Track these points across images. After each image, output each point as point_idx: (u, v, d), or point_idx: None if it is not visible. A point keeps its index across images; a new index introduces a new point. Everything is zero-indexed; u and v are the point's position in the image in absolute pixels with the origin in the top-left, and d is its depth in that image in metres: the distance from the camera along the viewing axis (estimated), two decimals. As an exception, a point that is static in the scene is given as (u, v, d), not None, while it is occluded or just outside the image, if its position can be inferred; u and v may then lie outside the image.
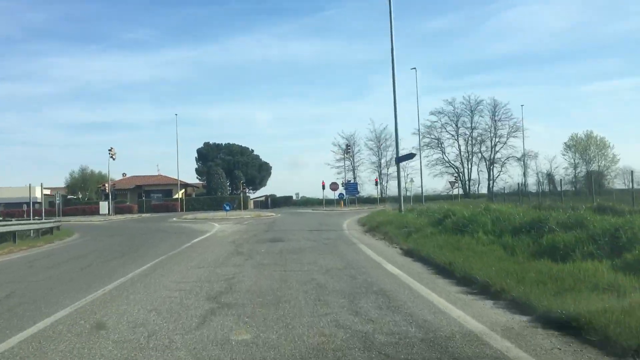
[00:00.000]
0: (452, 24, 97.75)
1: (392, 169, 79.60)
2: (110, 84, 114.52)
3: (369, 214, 37.87)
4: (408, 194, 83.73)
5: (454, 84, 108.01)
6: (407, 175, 79.56)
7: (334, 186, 59.52)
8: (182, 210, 73.11)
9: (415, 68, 44.54)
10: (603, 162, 76.96)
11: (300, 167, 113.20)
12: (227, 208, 42.84)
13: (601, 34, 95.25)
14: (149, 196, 79.30)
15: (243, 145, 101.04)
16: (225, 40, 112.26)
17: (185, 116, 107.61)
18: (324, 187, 60.12)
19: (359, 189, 62.28)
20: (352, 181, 67.41)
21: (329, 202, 67.94)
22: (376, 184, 64.91)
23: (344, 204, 59.05)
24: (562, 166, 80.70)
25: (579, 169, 77.77)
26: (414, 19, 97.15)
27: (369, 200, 72.71)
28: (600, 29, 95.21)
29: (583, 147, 76.62)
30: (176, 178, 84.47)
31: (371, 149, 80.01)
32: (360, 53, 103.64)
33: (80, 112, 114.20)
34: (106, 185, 65.53)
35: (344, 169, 72.79)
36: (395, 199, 36.67)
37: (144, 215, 60.04)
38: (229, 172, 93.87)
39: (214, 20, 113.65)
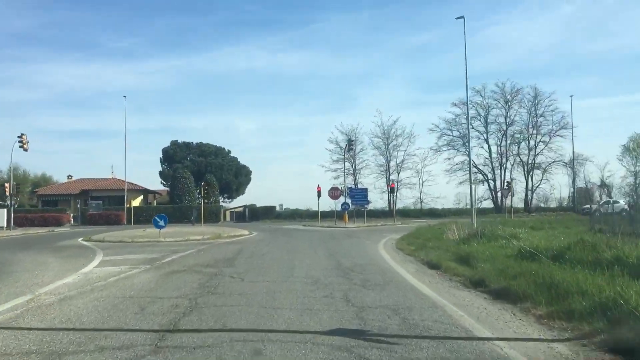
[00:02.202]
0: (436, 39, 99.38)
1: (405, 174, 63.00)
2: (93, 92, 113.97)
3: (415, 236, 21.68)
4: (419, 205, 67.38)
5: (438, 99, 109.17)
6: (423, 182, 63.04)
7: (334, 193, 42.59)
8: (129, 222, 55.59)
9: (463, 17, 28.58)
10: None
11: (285, 176, 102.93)
12: (161, 224, 25.49)
13: (580, 53, 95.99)
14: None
15: (218, 145, 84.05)
16: (212, 51, 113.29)
17: (168, 124, 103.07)
18: (319, 195, 43.25)
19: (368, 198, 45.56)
20: (358, 187, 50.40)
21: (326, 215, 50.96)
22: (392, 191, 47.73)
23: (348, 218, 42.03)
24: (617, 174, 64.60)
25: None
26: (399, 33, 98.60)
27: (380, 214, 55.80)
28: (580, 47, 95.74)
29: (647, 150, 60.48)
30: (134, 183, 67.39)
31: (377, 147, 63.32)
32: (345, 65, 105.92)
33: (63, 119, 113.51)
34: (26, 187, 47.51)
35: (344, 172, 55.85)
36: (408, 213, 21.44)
37: (58, 230, 42.32)
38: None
39: (201, 30, 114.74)
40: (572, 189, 61.76)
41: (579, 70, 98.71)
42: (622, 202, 54.53)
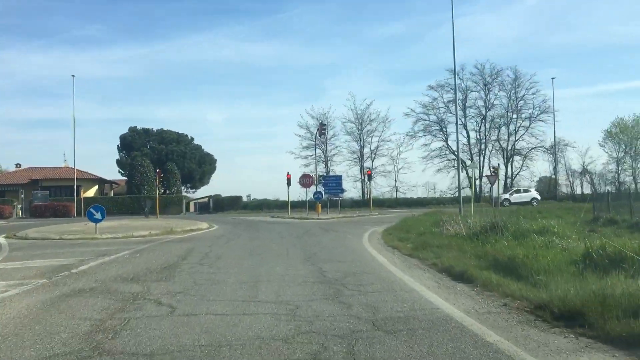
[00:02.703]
0: (404, 30, 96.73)
1: (380, 162, 59.24)
2: (56, 80, 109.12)
3: (404, 229, 18.11)
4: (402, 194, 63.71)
5: (406, 90, 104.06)
6: (399, 170, 59.50)
7: (306, 181, 38.47)
8: (80, 215, 50.51)
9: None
10: (652, 155, 58.53)
11: (254, 167, 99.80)
12: (97, 217, 20.94)
13: (544, 45, 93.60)
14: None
15: (180, 132, 79.03)
16: (178, 39, 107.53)
17: (134, 115, 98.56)
18: (289, 183, 39.08)
19: (343, 187, 41.47)
20: (332, 175, 46.32)
21: (296, 205, 46.88)
22: (369, 179, 43.74)
23: (321, 209, 38.00)
24: (599, 161, 62.11)
25: (623, 164, 59.17)
26: (368, 24, 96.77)
27: (353, 203, 51.97)
28: (544, 40, 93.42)
29: (630, 136, 57.93)
30: (88, 172, 62.36)
31: (350, 133, 59.33)
32: (314, 56, 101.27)
33: (24, 108, 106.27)
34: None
35: (315, 159, 51.77)
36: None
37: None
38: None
39: (167, 18, 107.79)
40: (553, 176, 59.01)
41: (542, 63, 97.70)
42: (533, 191, 52.17)
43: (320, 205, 36.86)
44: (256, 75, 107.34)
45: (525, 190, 51.48)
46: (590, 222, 23.43)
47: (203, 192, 77.02)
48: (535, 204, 46.77)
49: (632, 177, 58.97)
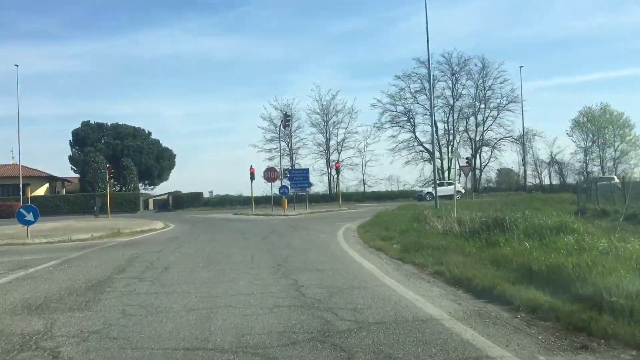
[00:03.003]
0: (363, 25, 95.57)
1: (346, 154, 57.08)
2: (3, 76, 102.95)
3: (382, 226, 16.08)
4: (363, 188, 61.55)
5: (367, 85, 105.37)
6: (366, 162, 57.53)
7: (270, 174, 36.02)
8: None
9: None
10: (621, 145, 58.08)
11: (216, 163, 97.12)
12: (29, 219, 17.62)
13: (501, 40, 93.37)
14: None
15: (137, 126, 75.56)
16: (134, 34, 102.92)
17: (89, 111, 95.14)
18: (252, 177, 36.63)
19: (311, 181, 38.99)
20: (299, 168, 43.77)
21: (260, 201, 44.31)
22: (337, 172, 41.26)
23: (288, 204, 35.53)
24: (567, 151, 61.44)
25: (591, 154, 58.52)
26: (326, 19, 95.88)
27: (320, 198, 49.76)
28: (501, 35, 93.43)
29: (598, 125, 57.26)
30: (37, 169, 58.52)
31: (315, 124, 56.95)
32: (275, 50, 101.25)
33: None
34: None
35: (279, 152, 49.24)
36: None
37: None
38: (116, 161, 68.03)
39: (123, 12, 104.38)
40: (522, 167, 58.02)
41: (501, 57, 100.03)
42: (457, 184, 50.53)
43: (286, 200, 34.45)
44: (215, 69, 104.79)
45: (449, 183, 50.23)
46: (576, 214, 21.62)
47: (162, 189, 73.73)
48: (459, 197, 45.70)
49: (599, 167, 58.46)
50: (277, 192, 35.41)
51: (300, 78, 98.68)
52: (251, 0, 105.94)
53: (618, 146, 57.64)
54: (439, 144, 57.70)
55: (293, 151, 56.53)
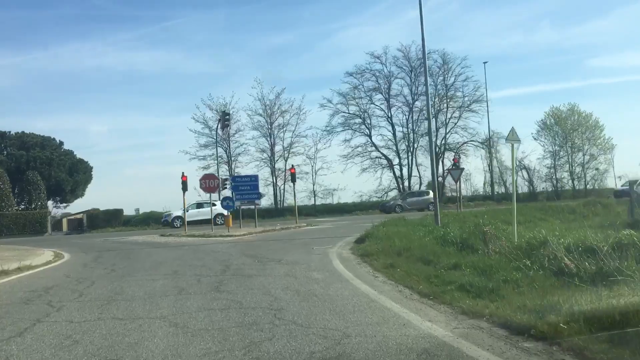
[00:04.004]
0: (293, 40, 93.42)
1: (295, 161, 49.43)
2: None
3: (402, 254, 10.44)
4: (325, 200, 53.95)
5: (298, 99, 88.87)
6: (317, 171, 50.21)
7: (209, 183, 27.89)
8: None
9: None
10: (590, 148, 53.63)
11: (144, 178, 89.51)
12: None
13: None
14: None
15: (45, 135, 65.59)
16: (55, 47, 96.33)
17: (6, 127, 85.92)
18: (185, 187, 28.54)
19: (260, 191, 30.70)
20: (244, 175, 35.32)
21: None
22: (293, 179, 33.08)
23: (232, 220, 27.35)
24: (533, 155, 56.58)
25: (560, 159, 53.71)
26: (256, 34, 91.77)
27: (265, 213, 41.90)
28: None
29: (567, 126, 52.59)
30: None
31: (258, 127, 48.98)
32: (202, 65, 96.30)
33: None
34: None
35: (216, 159, 40.92)
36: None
37: None
38: (21, 174, 57.97)
39: (42, 25, 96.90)
40: (488, 174, 52.46)
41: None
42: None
43: (231, 216, 26.41)
44: (141, 83, 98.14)
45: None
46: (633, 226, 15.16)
47: (79, 206, 63.60)
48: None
49: (568, 173, 53.81)
50: (223, 206, 27.36)
51: (229, 92, 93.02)
52: (178, 14, 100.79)
53: (587, 150, 53.16)
54: (396, 148, 51.30)
55: (232, 158, 48.36)
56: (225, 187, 32.17)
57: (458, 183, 27.69)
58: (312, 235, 22.27)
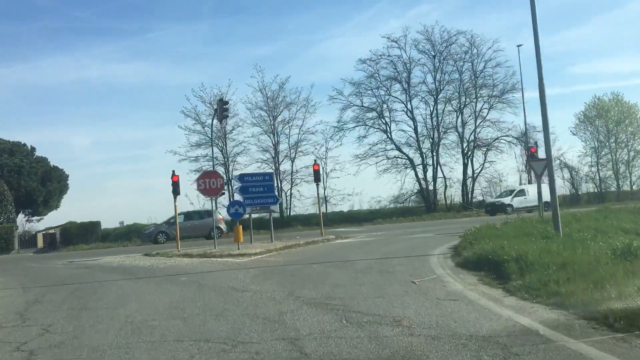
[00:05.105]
0: (275, 51, 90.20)
1: (303, 162, 42.43)
2: None
3: None
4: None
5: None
6: (328, 173, 43.18)
7: (210, 183, 20.68)
8: None
9: None
10: (635, 144, 47.25)
11: (129, 191, 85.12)
12: None
13: None
14: None
15: (13, 140, 58.50)
16: (36, 60, 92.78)
17: None
18: (176, 189, 21.63)
19: (277, 194, 23.60)
20: (255, 172, 27.89)
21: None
22: (316, 178, 25.66)
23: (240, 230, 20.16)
24: (571, 153, 50.06)
25: (603, 156, 47.15)
26: (239, 45, 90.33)
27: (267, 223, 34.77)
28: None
29: (612, 119, 46.09)
30: None
31: (259, 122, 41.87)
32: (185, 76, 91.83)
33: None
34: None
35: (212, 160, 33.70)
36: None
37: None
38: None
39: (23, 38, 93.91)
40: (524, 173, 45.64)
41: None
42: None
43: (240, 227, 19.29)
44: (124, 95, 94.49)
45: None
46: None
47: (54, 220, 56.27)
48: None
49: (613, 172, 47.27)
50: (230, 215, 20.14)
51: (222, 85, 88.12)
52: (160, 26, 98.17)
53: (632, 145, 46.74)
54: (419, 146, 44.40)
55: (229, 159, 41.17)
56: (236, 188, 25.06)
57: (541, 178, 20.82)
58: (362, 253, 15.41)
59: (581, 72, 74.92)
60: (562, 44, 77.43)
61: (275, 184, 39.91)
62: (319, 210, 28.08)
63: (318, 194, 26.80)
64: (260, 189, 21.54)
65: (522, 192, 36.55)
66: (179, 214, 26.13)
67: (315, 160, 29.02)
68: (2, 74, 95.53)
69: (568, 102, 76.45)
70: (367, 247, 17.75)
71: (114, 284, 11.76)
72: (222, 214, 31.10)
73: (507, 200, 36.28)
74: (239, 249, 18.52)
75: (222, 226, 30.32)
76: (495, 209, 35.74)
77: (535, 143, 23.96)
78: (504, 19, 79.36)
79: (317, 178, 25.29)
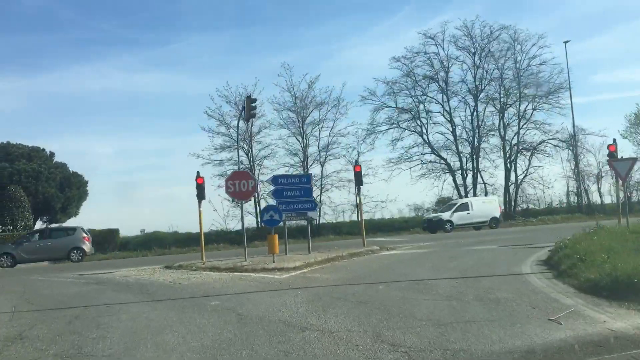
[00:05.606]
0: (295, 60, 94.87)
1: (333, 166, 39.74)
2: None
3: None
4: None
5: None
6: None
7: (240, 186, 18.14)
8: None
9: None
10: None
11: (153, 199, 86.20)
12: None
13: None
14: None
15: (32, 145, 56.97)
16: (61, 71, 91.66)
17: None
18: (201, 193, 19.10)
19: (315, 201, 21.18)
20: (292, 174, 25.18)
21: (213, 239, 26.37)
22: (358, 181, 22.65)
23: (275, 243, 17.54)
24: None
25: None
26: (261, 54, 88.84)
27: (298, 231, 31.76)
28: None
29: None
30: None
31: (287, 124, 39.30)
32: (207, 86, 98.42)
33: None
34: None
35: (238, 164, 31.08)
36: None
37: None
38: (1, 189, 48.97)
39: (49, 49, 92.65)
40: (573, 180, 42.36)
41: None
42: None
43: (276, 236, 16.61)
44: (146, 105, 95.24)
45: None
46: None
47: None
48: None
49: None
50: (261, 223, 17.49)
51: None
52: (182, 37, 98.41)
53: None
54: (457, 150, 41.42)
55: (255, 162, 38.68)
56: (269, 191, 22.47)
57: (625, 182, 17.73)
58: (428, 270, 12.65)
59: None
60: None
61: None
62: (360, 217, 25.32)
63: (359, 199, 23.91)
64: (297, 192, 18.81)
65: (464, 207, 33.48)
66: (34, 232, 25.63)
67: (356, 161, 26.27)
68: (27, 84, 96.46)
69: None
70: (427, 261, 14.91)
71: (125, 310, 9.11)
72: (86, 232, 29.28)
73: (446, 215, 33.25)
74: (274, 262, 15.83)
75: (86, 246, 27.81)
76: (432, 225, 33.13)
77: (614, 141, 20.92)
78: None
79: (358, 181, 22.45)
